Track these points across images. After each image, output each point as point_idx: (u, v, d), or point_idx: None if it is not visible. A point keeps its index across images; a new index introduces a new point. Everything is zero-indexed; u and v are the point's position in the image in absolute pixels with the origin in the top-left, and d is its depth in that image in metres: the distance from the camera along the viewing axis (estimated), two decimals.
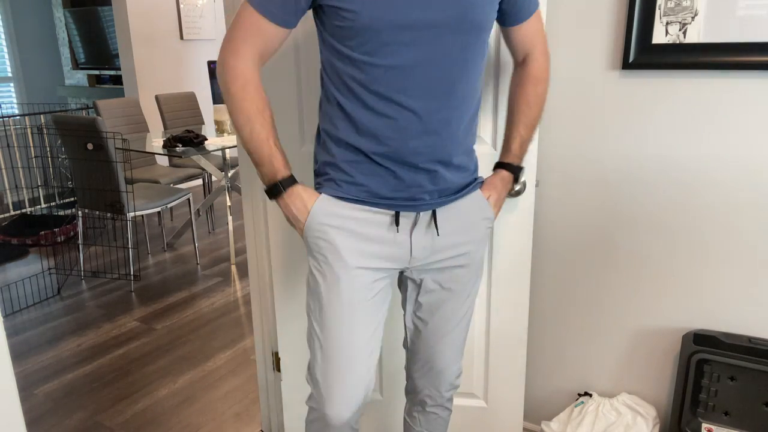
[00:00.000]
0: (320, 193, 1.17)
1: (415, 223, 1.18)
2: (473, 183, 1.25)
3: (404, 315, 1.35)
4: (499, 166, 1.33)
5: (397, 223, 1.16)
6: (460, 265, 1.25)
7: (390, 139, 1.09)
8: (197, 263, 3.68)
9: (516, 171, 1.32)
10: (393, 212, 1.16)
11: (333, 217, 1.15)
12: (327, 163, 1.17)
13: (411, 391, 1.45)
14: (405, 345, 1.40)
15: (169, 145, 3.44)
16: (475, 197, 1.25)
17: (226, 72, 1.10)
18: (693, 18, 1.42)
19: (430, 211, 1.18)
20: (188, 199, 3.63)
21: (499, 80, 1.46)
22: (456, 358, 1.36)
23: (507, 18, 1.21)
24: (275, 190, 1.14)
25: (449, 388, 1.40)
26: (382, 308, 1.22)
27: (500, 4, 1.17)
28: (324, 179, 1.18)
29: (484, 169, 1.53)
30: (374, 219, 1.16)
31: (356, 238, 1.15)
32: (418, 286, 1.28)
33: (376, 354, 1.23)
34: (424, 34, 1.04)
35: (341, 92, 1.10)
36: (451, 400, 1.44)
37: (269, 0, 1.06)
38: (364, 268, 1.17)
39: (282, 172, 1.13)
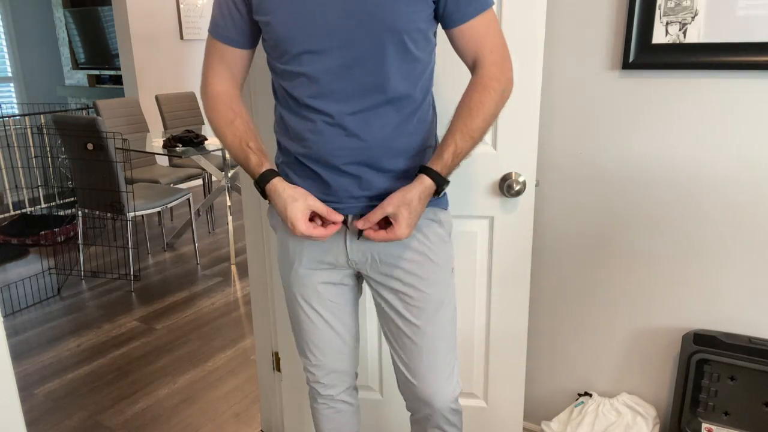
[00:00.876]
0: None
1: (346, 228, 1.20)
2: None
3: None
4: (423, 171, 1.13)
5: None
6: (411, 285, 1.22)
7: (311, 141, 1.15)
8: (197, 263, 3.68)
9: (440, 182, 1.13)
10: None
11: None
12: (277, 164, 1.26)
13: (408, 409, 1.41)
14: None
15: (169, 145, 3.44)
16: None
17: (202, 92, 1.22)
18: (693, 18, 1.43)
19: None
20: (188, 199, 3.63)
21: None
22: (433, 373, 1.28)
23: (444, 19, 1.13)
24: (259, 189, 1.19)
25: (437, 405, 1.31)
26: (339, 304, 1.31)
27: (435, 3, 1.10)
28: None
29: (484, 170, 1.53)
30: None
31: (298, 240, 1.25)
32: (375, 292, 1.28)
33: (342, 343, 1.34)
34: (334, 41, 1.08)
35: (277, 98, 1.21)
36: (451, 423, 1.32)
37: (218, 25, 1.17)
38: (310, 269, 1.26)
39: (257, 170, 1.17)
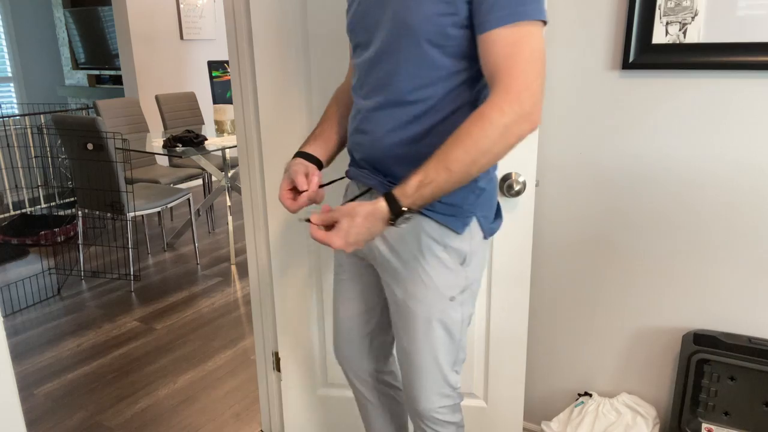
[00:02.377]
0: None
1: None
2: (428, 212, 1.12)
3: None
4: (385, 194, 1.00)
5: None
6: (397, 295, 1.20)
7: (349, 130, 1.21)
8: (197, 263, 3.68)
9: (394, 210, 0.98)
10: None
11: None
12: None
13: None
14: None
15: (169, 145, 3.44)
16: (420, 227, 1.13)
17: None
18: (693, 18, 1.43)
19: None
20: (188, 199, 3.63)
21: None
22: (417, 384, 1.25)
23: (474, 23, 1.00)
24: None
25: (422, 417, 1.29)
26: (357, 290, 1.33)
27: (468, 4, 0.98)
28: None
29: None
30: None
31: None
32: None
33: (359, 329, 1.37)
34: (371, 36, 1.09)
35: None
36: None
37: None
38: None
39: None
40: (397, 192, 0.98)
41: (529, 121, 0.94)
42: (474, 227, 1.15)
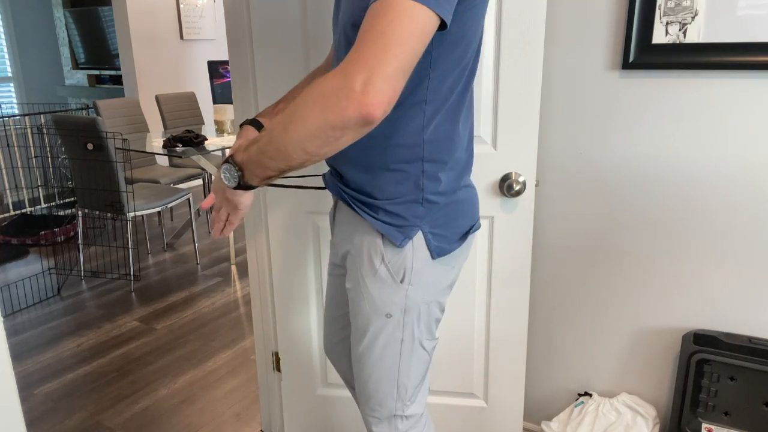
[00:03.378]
0: None
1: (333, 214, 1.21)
2: (360, 206, 1.06)
3: None
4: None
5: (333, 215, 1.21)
6: (348, 282, 1.15)
7: None
8: (197, 263, 3.68)
9: (229, 168, 0.95)
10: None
11: None
12: None
13: None
14: None
15: (169, 145, 3.44)
16: (353, 221, 1.09)
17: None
18: (693, 18, 1.43)
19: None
20: (188, 199, 3.63)
21: (498, 82, 1.46)
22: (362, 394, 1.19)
23: None
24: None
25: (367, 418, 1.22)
26: (334, 293, 1.32)
27: None
28: None
29: (484, 170, 1.53)
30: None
31: None
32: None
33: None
34: (335, 34, 1.08)
35: None
36: None
37: None
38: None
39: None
40: (233, 150, 0.95)
41: (354, 100, 0.76)
42: (418, 242, 1.04)
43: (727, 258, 1.54)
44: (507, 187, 1.50)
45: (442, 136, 1.02)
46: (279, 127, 0.84)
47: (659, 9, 1.45)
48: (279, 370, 1.89)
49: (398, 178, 1.02)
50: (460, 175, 1.09)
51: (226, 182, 0.97)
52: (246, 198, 1.03)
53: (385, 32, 0.77)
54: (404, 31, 0.77)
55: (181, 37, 5.36)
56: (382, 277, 1.05)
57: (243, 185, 0.95)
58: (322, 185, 1.32)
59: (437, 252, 1.06)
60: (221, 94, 4.47)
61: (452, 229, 1.07)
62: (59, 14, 6.05)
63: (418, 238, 1.04)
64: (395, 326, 1.08)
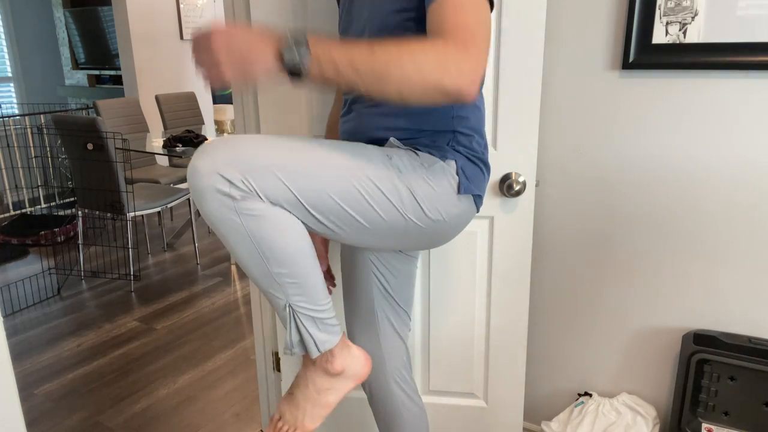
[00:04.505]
0: None
1: None
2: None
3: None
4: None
5: None
6: None
7: None
8: (197, 263, 3.68)
9: (293, 46, 0.84)
10: None
11: None
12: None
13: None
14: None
15: (169, 145, 3.44)
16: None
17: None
18: (693, 18, 1.43)
19: None
20: (188, 199, 3.63)
21: (498, 82, 1.46)
22: None
23: None
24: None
25: None
26: None
27: None
28: None
29: None
30: None
31: None
32: None
33: None
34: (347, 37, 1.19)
35: None
36: None
37: None
38: None
39: None
40: (310, 35, 0.85)
41: (467, 80, 0.86)
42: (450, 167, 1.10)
43: (727, 258, 1.54)
44: (507, 187, 1.50)
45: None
46: (387, 55, 0.84)
47: (659, 9, 1.45)
48: (279, 370, 1.89)
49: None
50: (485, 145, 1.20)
51: (274, 56, 0.83)
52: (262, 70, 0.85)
53: (479, 28, 0.89)
54: (487, 26, 0.92)
55: (181, 37, 5.36)
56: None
57: (296, 70, 0.83)
58: None
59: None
60: (221, 94, 4.47)
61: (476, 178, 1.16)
62: (59, 14, 6.05)
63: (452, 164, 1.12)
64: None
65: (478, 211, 1.18)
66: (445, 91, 0.86)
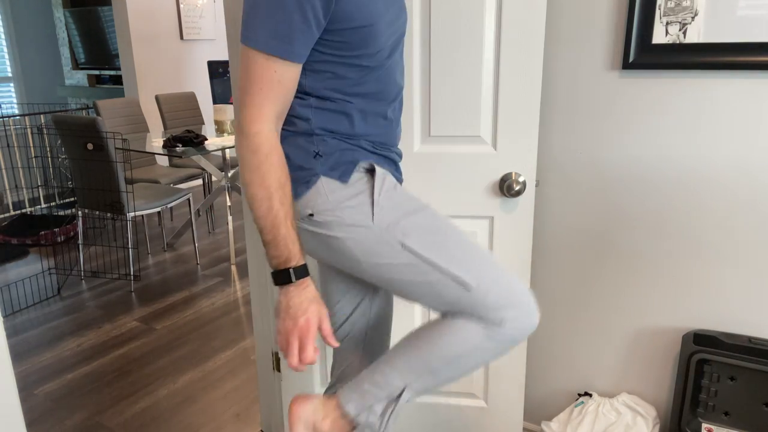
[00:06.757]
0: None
1: None
2: None
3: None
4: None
5: None
6: None
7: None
8: (197, 263, 3.68)
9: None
10: None
11: None
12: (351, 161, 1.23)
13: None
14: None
15: (169, 145, 3.44)
16: None
17: (249, 139, 0.97)
18: (693, 18, 1.43)
19: None
20: (188, 199, 3.63)
21: (498, 82, 1.47)
22: None
23: None
24: (284, 277, 1.02)
25: None
26: None
27: None
28: None
29: (484, 170, 1.53)
30: None
31: None
32: None
33: None
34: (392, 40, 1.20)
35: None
36: None
37: (292, 41, 0.95)
38: None
39: (297, 259, 1.02)
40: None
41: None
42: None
43: (727, 258, 1.54)
44: (507, 187, 1.50)
45: None
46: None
47: (659, 9, 1.45)
48: (279, 370, 1.89)
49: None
50: None
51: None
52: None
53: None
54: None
55: (181, 37, 5.36)
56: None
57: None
58: None
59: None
60: (221, 94, 4.48)
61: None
62: (59, 14, 6.05)
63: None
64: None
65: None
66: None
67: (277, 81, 0.97)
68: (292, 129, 1.08)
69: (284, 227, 0.99)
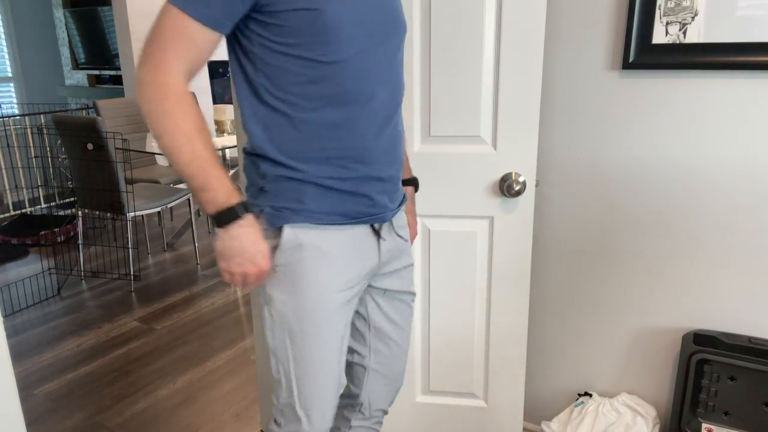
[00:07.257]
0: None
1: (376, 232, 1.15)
2: None
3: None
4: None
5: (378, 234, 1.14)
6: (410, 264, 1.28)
7: None
8: (197, 263, 3.68)
9: (416, 183, 1.37)
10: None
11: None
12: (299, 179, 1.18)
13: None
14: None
15: None
16: None
17: (155, 88, 0.94)
18: (693, 18, 1.43)
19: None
20: (188, 199, 3.63)
21: (498, 82, 1.47)
22: None
23: None
24: (231, 214, 0.97)
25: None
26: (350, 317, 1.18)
27: None
28: None
29: (484, 170, 1.53)
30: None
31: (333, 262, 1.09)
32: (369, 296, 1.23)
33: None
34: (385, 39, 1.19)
35: None
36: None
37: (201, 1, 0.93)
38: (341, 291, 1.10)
39: (237, 195, 0.98)
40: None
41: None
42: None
43: (727, 258, 1.54)
44: (507, 187, 1.50)
45: None
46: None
47: (659, 9, 1.45)
48: None
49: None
50: None
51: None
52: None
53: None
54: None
55: None
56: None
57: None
58: None
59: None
60: (221, 94, 4.48)
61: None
62: (59, 14, 6.05)
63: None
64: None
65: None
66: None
67: (188, 37, 0.94)
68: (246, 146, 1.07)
69: (216, 168, 0.96)
